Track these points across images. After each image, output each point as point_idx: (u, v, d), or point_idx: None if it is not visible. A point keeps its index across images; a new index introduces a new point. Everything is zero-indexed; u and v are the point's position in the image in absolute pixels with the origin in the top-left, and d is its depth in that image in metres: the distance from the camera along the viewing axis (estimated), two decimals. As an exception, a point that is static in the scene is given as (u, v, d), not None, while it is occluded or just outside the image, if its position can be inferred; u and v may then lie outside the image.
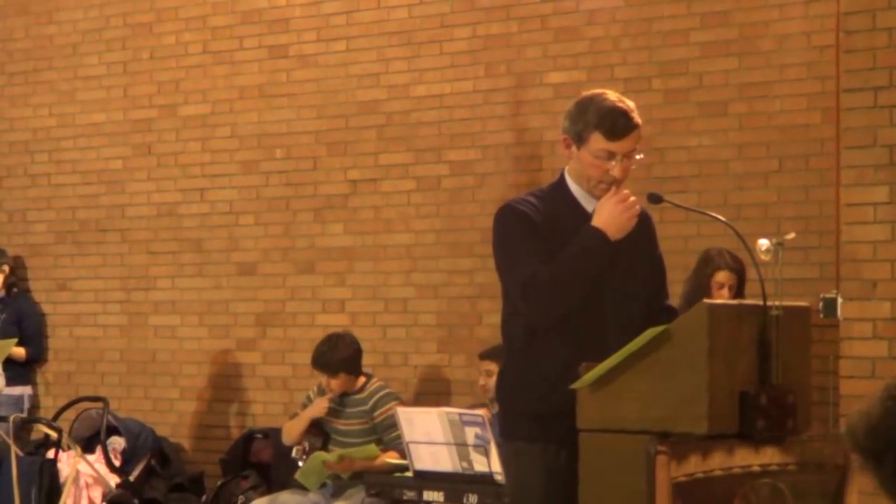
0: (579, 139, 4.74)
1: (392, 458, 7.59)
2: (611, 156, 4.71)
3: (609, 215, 4.66)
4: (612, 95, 4.81)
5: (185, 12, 9.98)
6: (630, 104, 4.77)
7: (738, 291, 7.15)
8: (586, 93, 4.89)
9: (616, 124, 4.70)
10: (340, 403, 8.02)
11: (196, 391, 9.89)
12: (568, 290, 4.70)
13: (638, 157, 4.80)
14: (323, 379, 8.00)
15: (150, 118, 10.11)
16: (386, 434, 7.78)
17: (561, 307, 4.78)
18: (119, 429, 9.27)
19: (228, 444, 9.45)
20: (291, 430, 8.09)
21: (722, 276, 7.21)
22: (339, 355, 7.94)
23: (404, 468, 7.23)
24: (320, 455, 7.77)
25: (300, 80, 9.51)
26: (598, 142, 4.71)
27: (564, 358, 4.68)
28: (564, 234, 4.80)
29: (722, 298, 7.09)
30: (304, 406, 8.17)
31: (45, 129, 10.57)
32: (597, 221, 4.67)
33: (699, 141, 8.12)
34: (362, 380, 8.07)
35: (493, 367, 7.18)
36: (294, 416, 8.23)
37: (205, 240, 9.85)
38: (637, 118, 4.76)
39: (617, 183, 4.78)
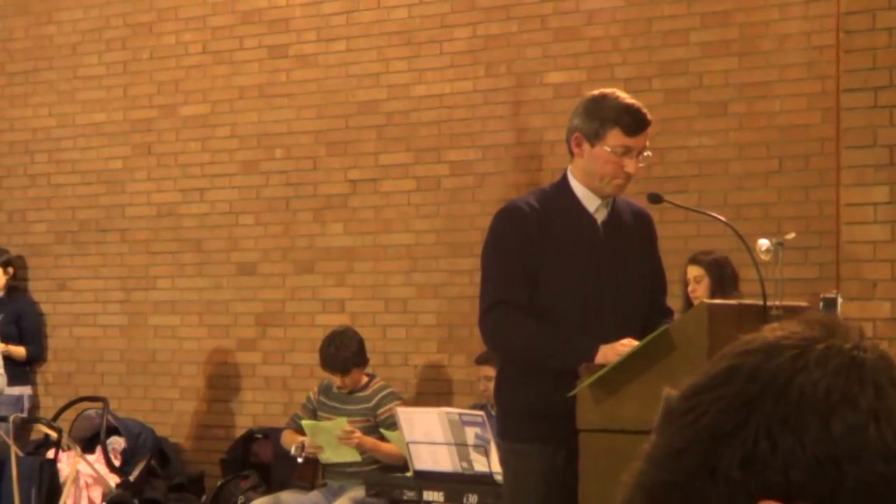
0: (595, 136, 4.76)
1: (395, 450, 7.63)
2: (627, 151, 4.74)
3: (611, 355, 4.59)
4: (622, 93, 4.87)
5: (185, 12, 9.98)
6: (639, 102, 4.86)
7: (715, 290, 7.14)
8: (593, 92, 4.92)
9: (636, 120, 4.75)
10: (344, 401, 8.03)
11: (196, 391, 9.88)
12: (518, 352, 4.80)
13: (647, 153, 4.83)
14: (336, 379, 8.01)
15: (150, 118, 10.10)
16: (388, 431, 7.79)
17: (501, 353, 4.95)
18: (119, 429, 9.27)
19: (228, 444, 9.45)
20: (289, 442, 8.10)
21: (690, 271, 7.27)
22: (347, 353, 7.97)
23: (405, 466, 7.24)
24: (330, 427, 7.74)
25: (300, 80, 9.51)
26: (616, 137, 4.73)
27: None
28: (565, 233, 4.81)
29: (695, 294, 7.16)
30: (305, 407, 8.18)
31: (44, 129, 10.56)
32: (600, 356, 4.61)
33: (699, 141, 8.12)
34: (365, 378, 8.09)
35: (491, 371, 7.18)
36: (291, 423, 8.22)
37: (205, 240, 9.85)
38: (649, 115, 4.82)
39: (629, 179, 4.83)
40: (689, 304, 7.19)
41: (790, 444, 1.20)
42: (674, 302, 6.07)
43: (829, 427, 1.20)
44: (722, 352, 1.29)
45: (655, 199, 4.98)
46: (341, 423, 7.74)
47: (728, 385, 1.24)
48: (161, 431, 9.71)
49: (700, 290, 7.20)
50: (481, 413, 6.98)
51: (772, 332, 1.27)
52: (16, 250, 10.49)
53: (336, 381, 8.02)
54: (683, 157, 8.12)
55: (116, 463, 9.08)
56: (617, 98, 4.80)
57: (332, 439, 7.74)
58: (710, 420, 1.24)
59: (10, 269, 10.27)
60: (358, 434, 7.69)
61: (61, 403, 9.67)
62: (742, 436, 1.21)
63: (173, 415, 9.93)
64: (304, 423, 7.90)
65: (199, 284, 9.87)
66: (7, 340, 10.01)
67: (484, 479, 6.68)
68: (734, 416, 1.22)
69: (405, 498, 6.98)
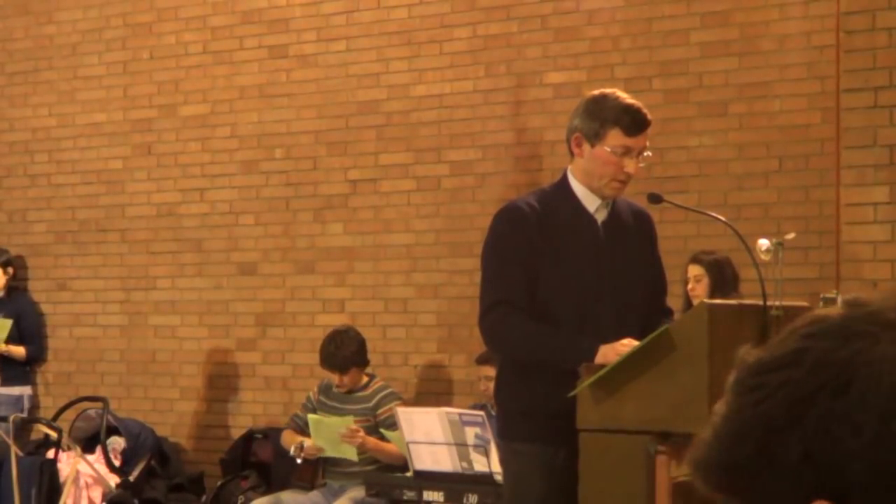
0: (595, 136, 4.75)
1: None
2: (627, 151, 4.74)
3: (612, 355, 4.59)
4: (623, 93, 4.86)
5: (185, 12, 9.98)
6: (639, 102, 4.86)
7: (715, 289, 7.16)
8: (594, 92, 4.92)
9: (636, 120, 4.75)
10: (344, 400, 8.04)
11: (196, 391, 9.88)
12: (518, 352, 4.81)
13: (647, 154, 4.83)
14: (335, 377, 8.02)
15: (150, 118, 10.11)
16: (388, 431, 7.80)
17: (501, 353, 4.95)
18: (119, 429, 9.27)
19: (228, 444, 9.45)
20: (289, 442, 8.11)
21: (691, 270, 7.30)
22: (346, 351, 7.98)
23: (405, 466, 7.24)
24: (335, 424, 7.74)
25: (300, 80, 9.51)
26: (616, 138, 4.73)
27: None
28: (565, 234, 4.81)
29: (695, 293, 7.18)
30: (305, 406, 8.18)
31: (45, 129, 10.56)
32: (600, 356, 4.61)
33: (699, 141, 8.12)
34: (365, 378, 8.10)
35: (491, 371, 7.18)
36: (291, 423, 8.22)
37: (205, 240, 9.85)
38: (650, 115, 4.82)
39: (629, 180, 4.82)
40: (689, 304, 7.20)
41: (847, 443, 1.15)
42: (674, 302, 6.07)
43: (889, 427, 1.15)
44: (794, 325, 1.23)
45: (655, 199, 4.97)
46: (347, 422, 7.74)
47: (792, 370, 1.20)
48: (161, 431, 9.71)
49: (699, 289, 7.22)
50: (481, 413, 6.98)
51: (847, 310, 1.22)
52: (16, 250, 10.49)
53: (335, 379, 8.03)
54: (683, 157, 8.12)
55: (116, 463, 9.08)
56: (617, 98, 4.80)
57: (334, 435, 7.74)
58: (769, 408, 1.19)
59: (10, 269, 10.27)
60: (362, 434, 7.69)
61: (61, 403, 9.67)
62: (799, 431, 1.17)
63: (173, 415, 9.93)
64: (310, 416, 7.90)
65: (199, 284, 9.87)
66: (7, 340, 10.02)
67: (484, 479, 6.68)
68: (793, 407, 1.18)
69: (405, 498, 6.98)
